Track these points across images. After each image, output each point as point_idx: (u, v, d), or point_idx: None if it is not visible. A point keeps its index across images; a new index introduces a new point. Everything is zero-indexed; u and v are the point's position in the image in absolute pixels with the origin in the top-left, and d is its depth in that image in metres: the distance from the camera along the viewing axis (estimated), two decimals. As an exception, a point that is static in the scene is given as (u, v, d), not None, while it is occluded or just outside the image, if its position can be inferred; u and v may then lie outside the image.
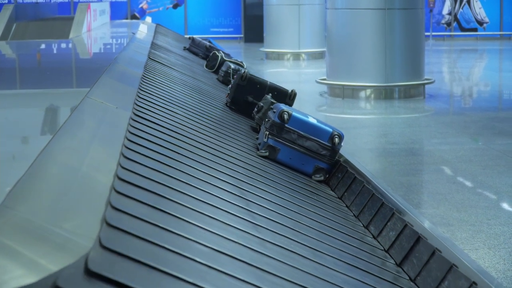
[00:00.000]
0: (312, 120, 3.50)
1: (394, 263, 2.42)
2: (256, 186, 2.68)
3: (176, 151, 2.53)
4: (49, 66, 5.58)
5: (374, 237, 2.70)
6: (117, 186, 1.71)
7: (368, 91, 11.79)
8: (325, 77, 12.48)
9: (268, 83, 4.55)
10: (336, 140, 3.42)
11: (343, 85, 11.84)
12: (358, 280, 2.11)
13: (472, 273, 2.04)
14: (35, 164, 1.66)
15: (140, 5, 25.91)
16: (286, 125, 3.40)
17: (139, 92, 3.30)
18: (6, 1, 24.04)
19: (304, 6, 19.27)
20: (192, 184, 2.20)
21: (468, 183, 6.56)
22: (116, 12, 23.85)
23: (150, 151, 2.29)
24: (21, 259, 1.19)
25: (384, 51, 11.63)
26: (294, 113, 3.44)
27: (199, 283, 1.42)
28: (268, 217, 2.32)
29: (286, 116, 3.40)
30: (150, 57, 5.21)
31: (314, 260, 2.10)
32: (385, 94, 11.74)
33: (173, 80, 4.63)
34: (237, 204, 2.29)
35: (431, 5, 24.46)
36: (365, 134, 9.04)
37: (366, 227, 2.81)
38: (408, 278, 2.32)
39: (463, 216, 5.52)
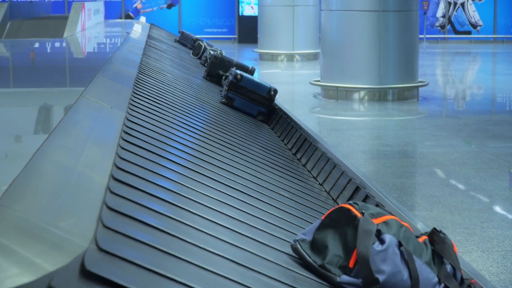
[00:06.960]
0: (257, 80, 5.12)
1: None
2: (220, 124, 3.96)
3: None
4: (43, 65, 5.56)
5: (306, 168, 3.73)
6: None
7: (362, 93, 11.80)
8: (319, 79, 12.48)
9: (235, 61, 6.12)
10: (272, 93, 5.06)
11: (337, 87, 11.84)
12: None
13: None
14: (31, 163, 1.65)
15: (134, 5, 25.87)
16: (239, 83, 4.99)
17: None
18: (1, 0, 23.99)
19: (298, 7, 19.25)
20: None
21: (461, 186, 6.57)
22: (110, 12, 23.82)
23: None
24: (17, 258, 1.18)
25: (378, 53, 11.64)
26: (244, 76, 5.06)
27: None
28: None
29: (239, 77, 5.03)
30: (148, 44, 6.69)
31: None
32: (378, 96, 11.74)
33: (165, 61, 6.10)
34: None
35: (425, 7, 24.51)
36: (358, 136, 9.05)
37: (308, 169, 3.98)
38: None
39: (457, 219, 5.52)
